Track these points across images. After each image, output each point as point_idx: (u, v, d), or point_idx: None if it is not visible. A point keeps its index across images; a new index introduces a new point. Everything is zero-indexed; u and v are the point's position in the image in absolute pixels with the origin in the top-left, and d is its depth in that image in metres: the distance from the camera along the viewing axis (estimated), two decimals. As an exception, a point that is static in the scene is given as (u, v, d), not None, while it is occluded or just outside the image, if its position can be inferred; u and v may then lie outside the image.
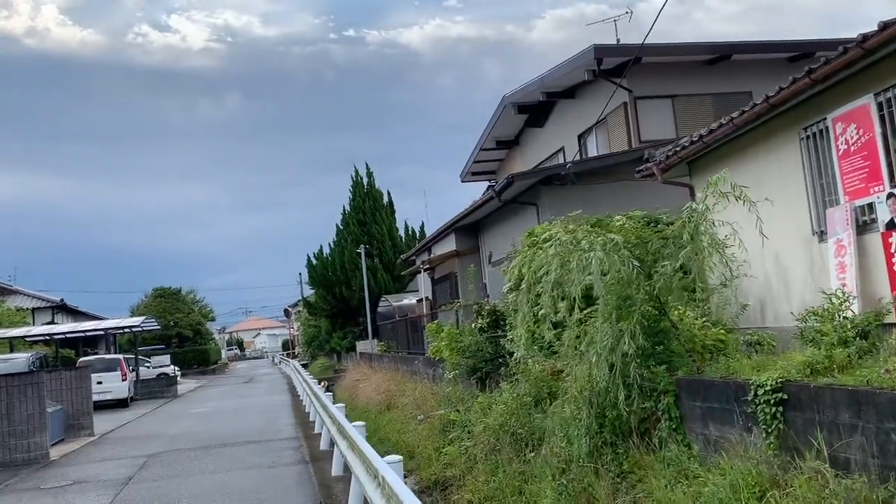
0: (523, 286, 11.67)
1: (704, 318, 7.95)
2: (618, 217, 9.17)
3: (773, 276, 8.87)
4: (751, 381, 5.56)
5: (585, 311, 7.13)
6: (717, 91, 17.48)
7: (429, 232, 30.66)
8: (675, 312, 7.48)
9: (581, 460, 7.18)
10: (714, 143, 10.08)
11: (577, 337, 6.88)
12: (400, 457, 5.23)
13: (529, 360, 9.96)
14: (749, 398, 5.55)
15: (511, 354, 12.62)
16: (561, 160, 19.52)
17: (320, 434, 13.53)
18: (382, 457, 5.51)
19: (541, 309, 11.12)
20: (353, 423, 8.23)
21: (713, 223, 6.50)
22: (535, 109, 21.65)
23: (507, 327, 12.19)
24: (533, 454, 8.51)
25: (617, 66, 16.84)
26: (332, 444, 11.40)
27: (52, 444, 15.10)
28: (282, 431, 15.10)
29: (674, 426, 6.68)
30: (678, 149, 11.01)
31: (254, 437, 14.30)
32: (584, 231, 7.15)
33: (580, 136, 19.72)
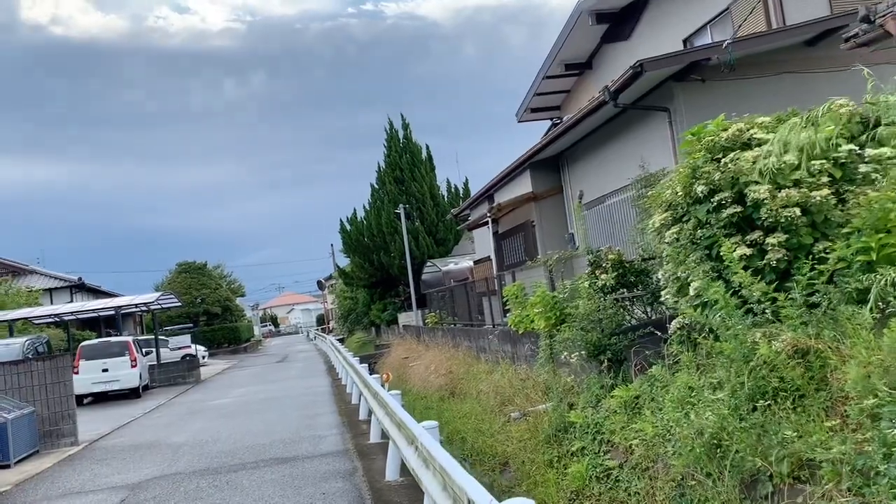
0: (694, 212, 7.54)
1: None
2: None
3: None
4: None
5: None
6: (884, -40, 13.00)
7: (473, 191, 26.39)
8: None
9: None
10: None
11: None
12: None
13: (748, 332, 5.77)
14: None
15: (653, 323, 8.53)
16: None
17: (379, 445, 9.66)
18: None
19: (736, 247, 7.05)
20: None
21: None
22: (617, 18, 17.46)
23: (663, 281, 8.01)
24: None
25: (752, -72, 12.43)
26: (405, 471, 7.49)
27: (19, 460, 11.36)
28: (323, 439, 10.87)
29: None
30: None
31: (284, 450, 10.14)
32: None
33: (686, 41, 15.37)
